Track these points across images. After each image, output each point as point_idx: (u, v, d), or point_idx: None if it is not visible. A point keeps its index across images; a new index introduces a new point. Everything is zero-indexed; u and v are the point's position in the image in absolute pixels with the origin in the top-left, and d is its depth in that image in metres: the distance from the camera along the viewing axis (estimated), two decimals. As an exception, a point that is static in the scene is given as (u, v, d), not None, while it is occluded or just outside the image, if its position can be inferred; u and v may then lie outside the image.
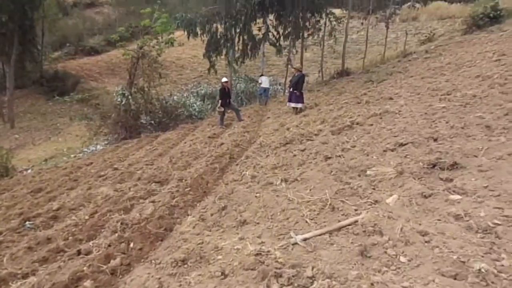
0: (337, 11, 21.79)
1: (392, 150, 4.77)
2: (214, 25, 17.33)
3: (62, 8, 38.88)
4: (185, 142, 10.63)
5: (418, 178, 3.80)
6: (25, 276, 3.53)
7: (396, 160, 4.38)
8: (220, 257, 3.24)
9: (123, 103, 14.93)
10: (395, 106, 7.31)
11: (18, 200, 7.44)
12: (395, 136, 5.26)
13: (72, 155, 15.82)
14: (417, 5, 23.33)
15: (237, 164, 6.93)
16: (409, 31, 23.52)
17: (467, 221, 2.81)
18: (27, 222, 5.44)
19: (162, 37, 16.10)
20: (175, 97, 19.28)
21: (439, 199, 3.26)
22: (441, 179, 3.64)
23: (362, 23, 24.41)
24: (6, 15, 24.00)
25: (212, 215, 4.49)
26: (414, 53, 18.50)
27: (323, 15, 19.69)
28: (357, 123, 6.88)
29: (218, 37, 17.47)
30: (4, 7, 23.40)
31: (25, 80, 29.63)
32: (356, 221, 3.19)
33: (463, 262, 2.36)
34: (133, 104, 15.21)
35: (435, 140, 4.69)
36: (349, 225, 3.21)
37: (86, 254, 3.78)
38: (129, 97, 15.11)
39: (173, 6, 41.50)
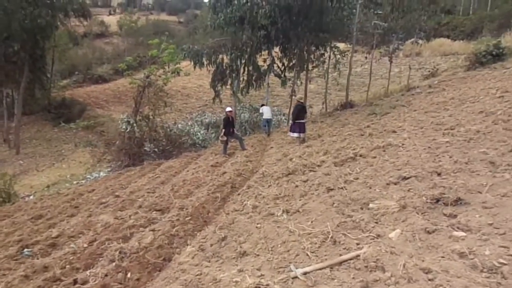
0: (342, 45, 22.31)
1: (395, 184, 4.72)
2: (220, 56, 17.73)
3: (73, 38, 40.12)
4: (188, 171, 10.62)
5: (422, 213, 3.74)
6: (18, 305, 3.45)
7: (399, 193, 4.33)
8: (218, 290, 3.16)
9: (127, 130, 15.07)
10: (398, 139, 7.32)
11: (18, 226, 7.38)
12: (398, 170, 5.23)
13: (75, 182, 15.83)
14: (420, 41, 23.81)
15: (238, 194, 6.88)
16: (412, 66, 23.97)
17: (472, 259, 2.73)
18: (25, 250, 5.37)
19: (168, 67, 16.48)
20: (179, 125, 19.49)
21: (442, 235, 3.19)
22: (445, 214, 3.58)
23: (366, 57, 24.95)
24: (19, 44, 24.73)
25: (211, 245, 4.41)
26: (418, 87, 18.73)
27: (328, 49, 20.14)
28: (360, 155, 6.87)
29: (224, 67, 17.84)
30: (17, 36, 24.16)
31: (33, 107, 30.22)
32: (358, 256, 3.12)
33: (469, 302, 2.28)
34: (138, 131, 15.35)
35: (439, 174, 4.65)
36: (350, 259, 3.14)
37: (82, 284, 3.70)
38: (134, 124, 15.27)
39: (180, 37, 42.83)
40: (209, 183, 8.19)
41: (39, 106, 30.70)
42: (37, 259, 4.90)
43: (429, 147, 6.14)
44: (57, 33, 31.34)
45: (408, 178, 4.73)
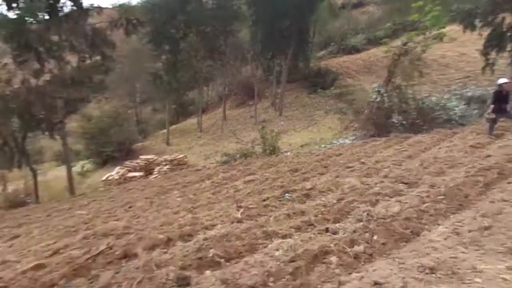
0: None
1: None
2: (500, 15, 14.68)
3: (332, 10, 42.31)
4: (440, 148, 9.68)
5: None
6: (284, 236, 4.11)
7: None
8: (478, 280, 2.82)
9: (377, 100, 15.02)
10: None
11: (280, 175, 8.78)
12: None
13: (323, 145, 17.31)
14: None
15: (508, 182, 5.74)
16: None
17: None
18: (286, 194, 6.35)
19: (430, 32, 15.07)
20: (433, 98, 17.82)
21: None
22: None
23: None
24: (290, 21, 28.42)
25: (470, 231, 3.88)
26: None
27: None
28: None
29: (504, 29, 14.71)
30: (289, 14, 27.80)
31: (295, 75, 34.51)
32: None
33: None
34: (387, 102, 15.06)
35: None
36: None
37: (333, 233, 4.02)
38: (384, 94, 15.04)
39: (446, -2, 38.28)
40: (467, 164, 7.19)
41: (300, 75, 34.68)
42: (296, 204, 5.69)
43: None
44: (319, 7, 33.94)
45: None
